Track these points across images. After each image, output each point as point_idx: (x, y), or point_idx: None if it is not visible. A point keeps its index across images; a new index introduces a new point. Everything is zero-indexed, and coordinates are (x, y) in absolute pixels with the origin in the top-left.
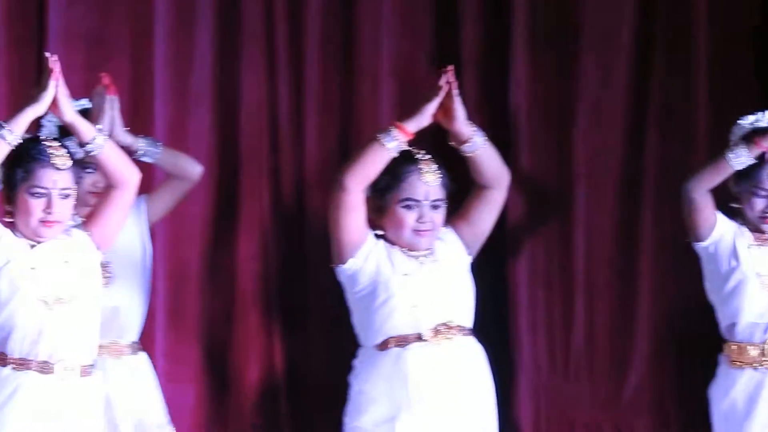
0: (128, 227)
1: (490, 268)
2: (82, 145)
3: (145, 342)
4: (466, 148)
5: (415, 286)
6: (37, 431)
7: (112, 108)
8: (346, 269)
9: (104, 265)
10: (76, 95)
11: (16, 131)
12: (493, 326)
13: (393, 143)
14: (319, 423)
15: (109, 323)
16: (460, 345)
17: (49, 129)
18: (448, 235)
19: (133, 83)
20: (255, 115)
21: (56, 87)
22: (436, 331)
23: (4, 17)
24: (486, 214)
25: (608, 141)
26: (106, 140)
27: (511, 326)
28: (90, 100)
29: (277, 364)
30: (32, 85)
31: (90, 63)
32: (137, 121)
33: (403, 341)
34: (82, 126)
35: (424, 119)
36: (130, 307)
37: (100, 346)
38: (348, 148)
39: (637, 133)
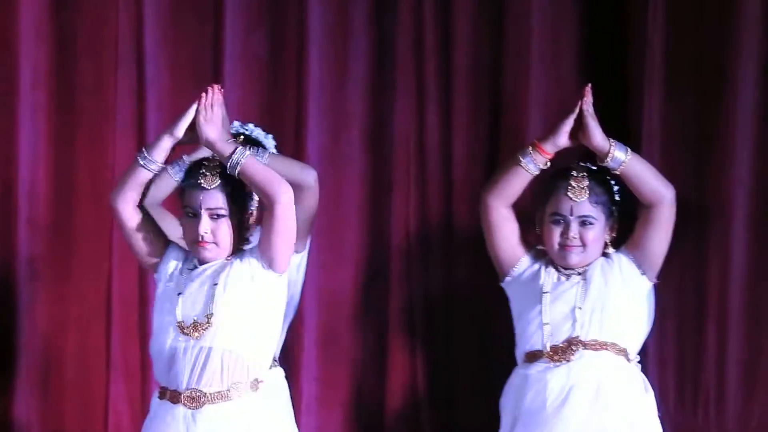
0: None
1: None
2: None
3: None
4: (611, 165)
5: (551, 303)
6: None
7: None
8: (505, 286)
9: None
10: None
11: (157, 159)
12: None
13: (531, 165)
14: None
15: None
16: (582, 359)
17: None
18: (620, 256)
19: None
20: (404, 143)
21: (202, 112)
22: (558, 349)
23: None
24: (652, 234)
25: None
26: (245, 158)
27: (642, 357)
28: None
29: (420, 388)
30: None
31: (260, 86)
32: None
33: (531, 358)
34: (219, 147)
35: (560, 138)
36: None
37: None
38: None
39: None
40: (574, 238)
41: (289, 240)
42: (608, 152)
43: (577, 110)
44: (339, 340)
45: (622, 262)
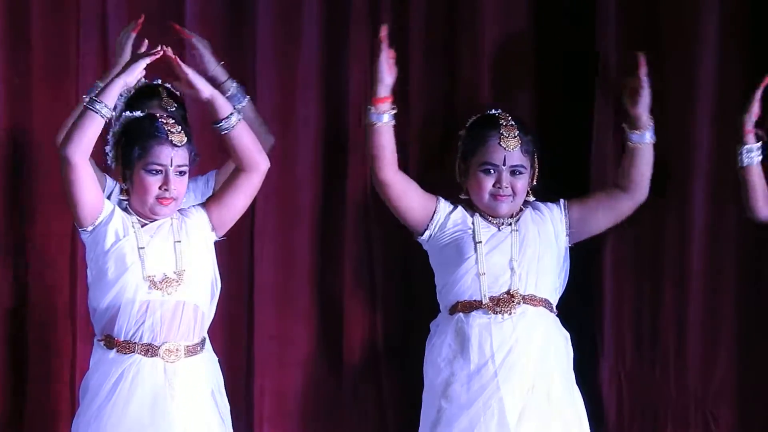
0: None
1: (581, 250)
2: (215, 122)
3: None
4: (634, 138)
5: (487, 254)
6: (145, 413)
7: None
8: (424, 241)
9: None
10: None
11: (110, 104)
12: (580, 310)
13: (385, 116)
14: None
15: None
16: (525, 315)
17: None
18: (553, 209)
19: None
20: (361, 102)
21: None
22: (498, 300)
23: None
24: (607, 212)
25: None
26: (240, 121)
27: (596, 313)
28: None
29: (379, 343)
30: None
31: (221, 45)
32: None
33: (467, 307)
34: (220, 103)
35: (385, 78)
36: None
37: None
38: (451, 135)
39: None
40: (507, 187)
41: (247, 205)
42: (645, 128)
43: (383, 52)
44: (296, 298)
45: (554, 216)
